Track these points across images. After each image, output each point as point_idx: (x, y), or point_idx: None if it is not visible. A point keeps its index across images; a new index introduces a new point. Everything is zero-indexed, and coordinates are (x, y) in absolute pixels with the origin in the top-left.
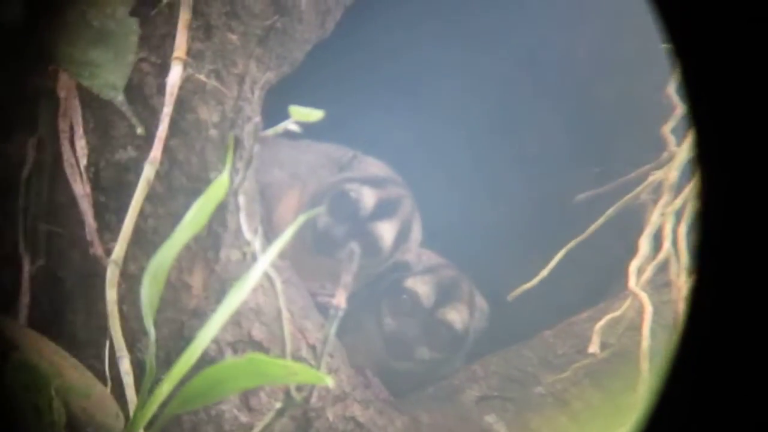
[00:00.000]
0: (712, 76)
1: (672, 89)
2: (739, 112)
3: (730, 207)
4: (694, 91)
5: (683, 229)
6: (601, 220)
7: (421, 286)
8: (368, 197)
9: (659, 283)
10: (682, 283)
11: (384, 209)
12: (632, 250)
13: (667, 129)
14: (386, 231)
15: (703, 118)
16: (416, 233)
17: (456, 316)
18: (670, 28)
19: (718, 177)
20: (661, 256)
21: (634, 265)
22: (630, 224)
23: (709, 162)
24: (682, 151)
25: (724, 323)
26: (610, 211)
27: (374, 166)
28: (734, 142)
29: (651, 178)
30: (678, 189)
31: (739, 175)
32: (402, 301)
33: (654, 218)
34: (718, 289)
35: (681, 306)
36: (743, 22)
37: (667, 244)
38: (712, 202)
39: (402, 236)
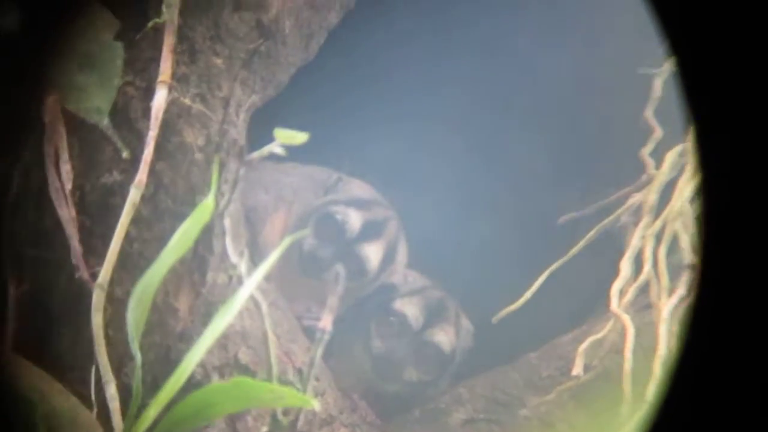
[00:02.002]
0: (711, 79)
1: (650, 113)
2: (739, 115)
3: (731, 211)
4: (693, 93)
5: (663, 251)
6: (582, 243)
7: (410, 308)
8: (354, 219)
9: (641, 305)
10: (663, 304)
11: (370, 231)
12: (614, 272)
13: (645, 152)
14: (372, 252)
15: (703, 121)
16: (402, 254)
17: (444, 337)
18: (669, 30)
19: (719, 180)
20: (642, 278)
21: (615, 288)
22: (613, 246)
23: (710, 165)
24: (661, 173)
25: (725, 331)
26: (591, 234)
27: (359, 188)
28: (734, 145)
29: (631, 201)
30: (657, 211)
31: (740, 178)
32: (390, 324)
33: (634, 240)
34: (720, 295)
35: (662, 328)
36: (744, 25)
37: (647, 267)
38: (713, 206)
39: (388, 258)
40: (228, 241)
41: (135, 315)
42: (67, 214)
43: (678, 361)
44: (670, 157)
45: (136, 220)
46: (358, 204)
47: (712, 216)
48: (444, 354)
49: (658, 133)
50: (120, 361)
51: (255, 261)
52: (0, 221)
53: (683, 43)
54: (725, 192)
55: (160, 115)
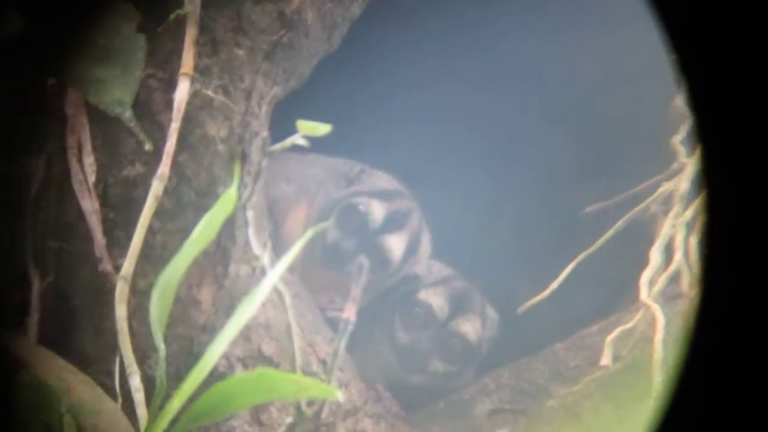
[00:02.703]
0: (717, 88)
1: (680, 100)
2: (744, 123)
3: (736, 218)
4: (699, 103)
5: (694, 240)
6: (611, 232)
7: (435, 298)
8: (377, 210)
9: (671, 295)
10: (693, 294)
11: (393, 222)
12: (643, 262)
13: (676, 140)
14: (396, 244)
15: (709, 130)
16: (425, 245)
17: (470, 327)
18: (675, 40)
19: (724, 189)
20: (672, 267)
21: (645, 277)
22: (641, 236)
23: (715, 174)
24: (692, 161)
25: (732, 332)
26: (619, 223)
27: (382, 179)
28: (740, 153)
29: (661, 189)
30: (688, 200)
31: (745, 186)
32: (415, 314)
33: (665, 229)
34: (726, 298)
35: (692, 317)
36: (748, 33)
37: (678, 256)
38: (718, 214)
39: (411, 249)
40: (251, 232)
41: (158, 307)
42: (90, 206)
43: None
44: (696, 146)
45: (158, 212)
46: (381, 195)
47: (715, 215)
48: (470, 344)
49: (690, 120)
50: (144, 352)
51: (277, 253)
52: (23, 214)
53: (685, 44)
54: (731, 193)
55: (183, 107)
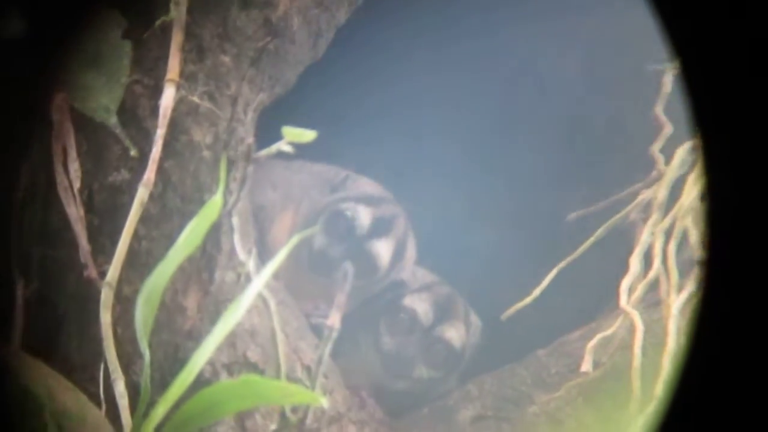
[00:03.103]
0: (714, 82)
1: (659, 109)
2: (742, 118)
3: (735, 212)
4: (696, 96)
5: (672, 248)
6: (591, 240)
7: (419, 304)
8: (364, 216)
9: (650, 302)
10: (672, 301)
11: (380, 228)
12: (623, 269)
13: (655, 148)
14: (383, 249)
15: (706, 123)
16: (411, 251)
17: (454, 333)
18: (673, 34)
19: (723, 182)
20: (651, 274)
21: (625, 284)
22: (621, 243)
23: (714, 167)
24: (670, 169)
25: (731, 332)
26: (600, 231)
27: (367, 185)
28: (738, 146)
29: (640, 197)
30: (667, 208)
31: (744, 179)
32: (400, 320)
33: (644, 237)
34: (726, 296)
35: (671, 324)
36: (746, 28)
37: (657, 263)
38: (718, 207)
39: (398, 254)
40: (236, 239)
41: (143, 313)
42: (75, 212)
43: (687, 358)
44: (681, 153)
45: (144, 219)
46: (367, 201)
47: (717, 213)
48: (454, 350)
49: (668, 129)
50: (128, 359)
51: (263, 260)
52: (8, 220)
53: (686, 44)
54: (730, 189)
55: (168, 113)
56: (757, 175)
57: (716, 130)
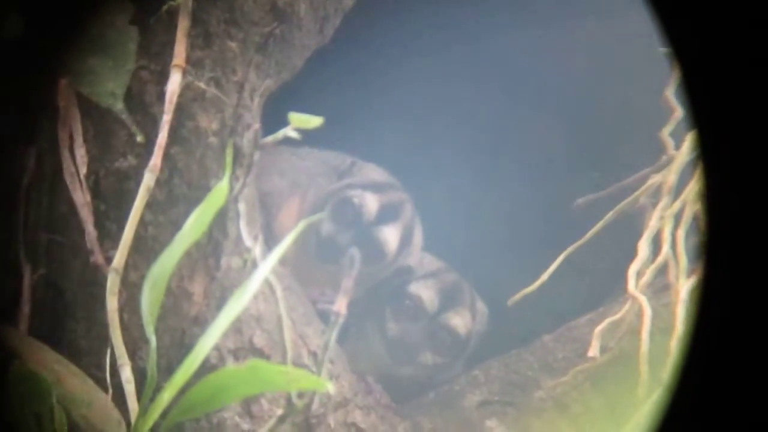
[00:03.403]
0: (712, 78)
1: (670, 93)
2: (739, 113)
3: (733, 207)
4: (694, 92)
5: (682, 233)
6: (600, 224)
7: (425, 291)
8: (371, 202)
9: (658, 287)
10: (681, 286)
11: (387, 214)
12: (631, 254)
13: (665, 132)
14: (390, 235)
15: (704, 119)
16: (418, 237)
17: (459, 321)
18: (669, 31)
19: (720, 177)
20: (660, 259)
21: (633, 269)
22: (629, 228)
23: (711, 162)
24: (680, 154)
25: (730, 325)
26: (609, 215)
27: (374, 172)
28: (736, 142)
29: (650, 182)
30: (677, 192)
31: (742, 175)
32: (406, 307)
33: (653, 222)
34: (724, 290)
35: (680, 309)
36: (743, 25)
37: (666, 248)
38: (715, 203)
39: (405, 240)
40: (242, 225)
41: (150, 299)
42: (81, 198)
43: (691, 343)
44: (691, 137)
45: (150, 205)
46: (374, 187)
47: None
48: (459, 337)
49: (679, 113)
50: (135, 344)
51: (270, 246)
52: (15, 206)
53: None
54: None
55: (175, 99)
56: (757, 174)
57: (714, 127)
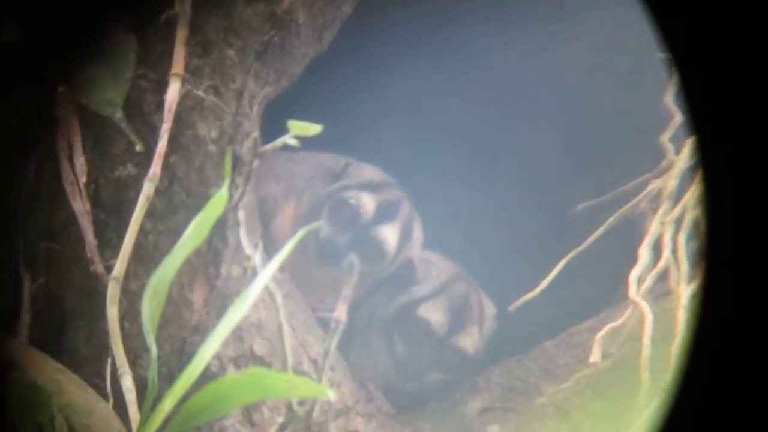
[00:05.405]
0: (711, 83)
1: (669, 98)
2: (739, 118)
3: (733, 212)
4: (693, 97)
5: (682, 238)
6: (600, 230)
7: (434, 315)
8: (368, 202)
9: (659, 292)
10: (682, 291)
11: (384, 212)
12: (632, 260)
13: (665, 138)
14: (389, 234)
15: (703, 124)
16: (418, 232)
17: (468, 341)
18: (668, 36)
19: (720, 182)
20: (660, 264)
21: (634, 275)
22: (630, 234)
23: (711, 167)
24: (680, 159)
25: (732, 331)
26: (609, 221)
27: (369, 171)
28: (735, 147)
29: (650, 187)
30: (677, 197)
31: (741, 180)
32: (414, 330)
33: (653, 227)
34: (725, 295)
35: (681, 315)
36: (741, 30)
37: (666, 253)
38: (715, 208)
39: (405, 237)
40: (242, 233)
41: (150, 307)
42: (81, 207)
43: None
44: (690, 142)
45: (150, 213)
46: (370, 187)
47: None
48: (468, 357)
49: (678, 118)
50: (135, 353)
51: (266, 252)
52: (14, 215)
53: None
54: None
55: (174, 107)
56: (757, 179)
57: (714, 132)
